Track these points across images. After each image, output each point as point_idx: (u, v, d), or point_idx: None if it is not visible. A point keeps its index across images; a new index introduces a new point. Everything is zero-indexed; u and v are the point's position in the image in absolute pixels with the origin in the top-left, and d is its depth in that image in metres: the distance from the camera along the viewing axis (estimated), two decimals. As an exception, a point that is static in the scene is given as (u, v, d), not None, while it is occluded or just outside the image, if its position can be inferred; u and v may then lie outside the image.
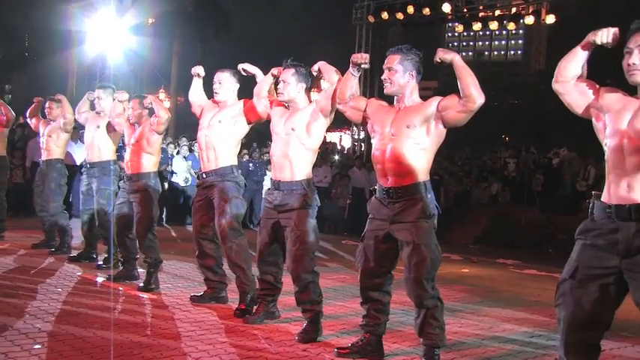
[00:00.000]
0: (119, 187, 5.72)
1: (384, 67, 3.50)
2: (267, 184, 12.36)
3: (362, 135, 17.37)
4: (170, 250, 7.59)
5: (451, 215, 11.80)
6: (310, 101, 4.23)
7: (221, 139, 4.68)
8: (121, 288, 5.25)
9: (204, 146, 4.73)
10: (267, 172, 12.40)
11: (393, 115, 3.48)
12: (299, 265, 3.95)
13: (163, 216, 11.42)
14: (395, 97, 3.56)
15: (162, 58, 22.68)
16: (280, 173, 4.06)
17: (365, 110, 3.67)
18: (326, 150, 15.66)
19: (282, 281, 4.32)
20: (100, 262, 6.21)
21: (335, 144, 21.26)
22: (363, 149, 17.07)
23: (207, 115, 4.81)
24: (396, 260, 3.56)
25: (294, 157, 4.04)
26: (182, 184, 11.66)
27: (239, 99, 4.80)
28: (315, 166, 4.20)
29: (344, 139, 26.90)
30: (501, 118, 36.19)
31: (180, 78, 22.02)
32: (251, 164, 12.45)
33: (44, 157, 6.92)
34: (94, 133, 6.15)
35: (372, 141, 3.59)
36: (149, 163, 5.39)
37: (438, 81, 43.05)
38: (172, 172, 11.68)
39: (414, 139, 3.37)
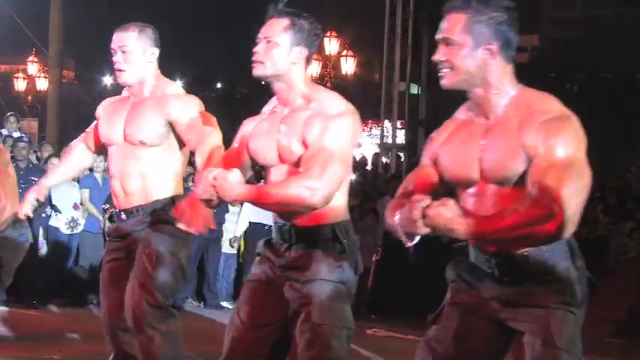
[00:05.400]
0: None
1: (439, 36, 3.47)
2: (229, 227, 12.77)
3: (400, 137, 17.69)
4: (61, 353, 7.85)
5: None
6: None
7: (148, 160, 5.12)
8: None
9: (116, 172, 5.14)
10: (231, 207, 12.30)
11: (479, 133, 3.49)
12: None
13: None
14: (470, 96, 3.53)
15: (35, 5, 23.00)
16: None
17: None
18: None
19: None
20: None
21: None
22: (402, 160, 17.56)
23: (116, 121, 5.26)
24: None
25: None
26: (65, 230, 11.85)
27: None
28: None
29: (367, 144, 26.93)
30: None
31: (64, 36, 22.62)
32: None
33: None
34: None
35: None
36: None
37: (539, 34, 42.94)
38: (53, 209, 11.65)
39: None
